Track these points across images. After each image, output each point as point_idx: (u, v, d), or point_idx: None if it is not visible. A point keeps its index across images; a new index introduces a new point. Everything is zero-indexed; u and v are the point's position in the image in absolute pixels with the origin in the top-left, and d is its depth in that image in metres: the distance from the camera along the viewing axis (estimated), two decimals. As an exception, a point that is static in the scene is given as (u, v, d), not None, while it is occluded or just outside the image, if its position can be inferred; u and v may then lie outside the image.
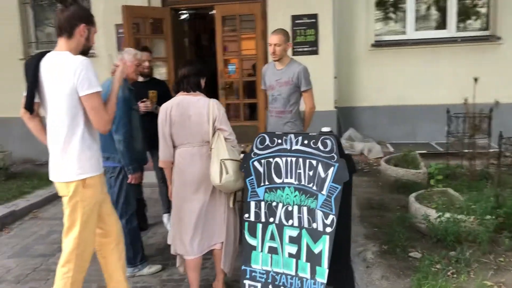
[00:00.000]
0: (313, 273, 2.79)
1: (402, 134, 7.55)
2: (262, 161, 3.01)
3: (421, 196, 4.42)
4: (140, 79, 4.57)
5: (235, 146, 3.23)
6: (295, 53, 7.19)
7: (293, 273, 2.86)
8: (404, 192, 5.06)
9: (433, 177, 5.36)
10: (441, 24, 7.73)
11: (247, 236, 3.02)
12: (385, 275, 3.35)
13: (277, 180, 2.96)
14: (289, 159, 2.94)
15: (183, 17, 8.45)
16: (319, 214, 2.80)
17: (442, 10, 7.71)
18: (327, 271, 2.74)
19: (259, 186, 3.01)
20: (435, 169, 4.91)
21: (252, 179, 3.03)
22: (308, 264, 2.81)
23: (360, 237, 4.07)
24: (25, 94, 2.66)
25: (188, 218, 3.22)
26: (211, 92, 7.70)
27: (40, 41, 8.36)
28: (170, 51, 7.51)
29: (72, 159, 2.64)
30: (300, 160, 2.90)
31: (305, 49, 7.17)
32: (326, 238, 2.76)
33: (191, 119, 3.17)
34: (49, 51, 2.68)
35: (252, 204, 3.02)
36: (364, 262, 3.59)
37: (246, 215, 3.03)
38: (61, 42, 2.63)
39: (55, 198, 6.14)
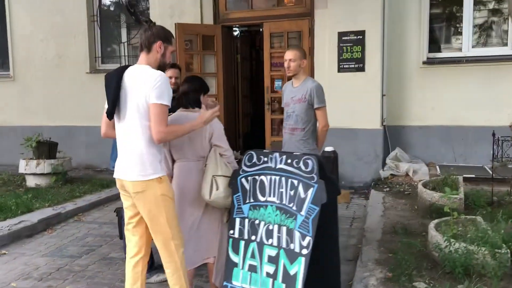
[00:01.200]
0: (287, 294, 2.76)
1: (454, 157, 7.14)
2: (249, 178, 3.05)
3: (444, 223, 4.17)
4: (169, 94, 4.79)
5: (231, 163, 3.28)
6: (340, 69, 7.15)
7: (269, 292, 2.85)
8: (437, 217, 4.78)
9: (472, 202, 5.10)
10: (502, 40, 7.25)
11: (230, 253, 3.06)
12: (380, 304, 3.21)
13: (261, 198, 2.98)
14: (273, 177, 2.95)
15: (235, 33, 8.67)
16: (296, 235, 2.78)
17: (503, 26, 7.23)
18: (301, 293, 2.70)
19: (244, 203, 3.05)
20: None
21: (239, 195, 3.07)
22: (284, 285, 2.79)
23: (371, 262, 3.93)
24: (106, 106, 2.94)
25: (182, 231, 3.31)
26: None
27: (104, 56, 8.99)
28: (219, 66, 7.76)
29: (146, 160, 2.85)
30: (283, 179, 2.90)
31: (351, 66, 7.07)
32: (302, 260, 2.73)
33: (189, 134, 3.27)
34: (129, 65, 2.97)
35: (237, 220, 3.06)
36: (364, 287, 3.47)
37: (231, 232, 3.08)
38: (142, 56, 2.94)
39: (101, 203, 6.58)
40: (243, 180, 3.06)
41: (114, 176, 3.01)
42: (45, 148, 7.34)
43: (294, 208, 2.81)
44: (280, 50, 7.59)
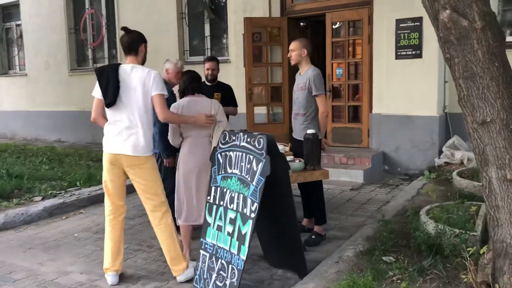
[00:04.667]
0: (239, 250, 3.29)
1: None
2: (223, 153, 3.61)
3: (442, 207, 4.27)
4: (208, 83, 5.49)
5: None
6: (398, 56, 7.20)
7: (228, 248, 3.40)
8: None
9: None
10: None
11: (206, 214, 3.67)
12: (341, 271, 3.55)
13: (229, 170, 3.53)
14: (238, 153, 3.48)
15: (302, 24, 9.05)
16: (248, 201, 3.29)
17: None
18: (247, 250, 3.22)
19: (218, 174, 3.62)
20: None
21: (216, 168, 3.66)
22: (237, 242, 3.32)
23: (361, 238, 4.22)
24: (98, 96, 3.66)
25: (189, 195, 4.01)
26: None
27: (191, 49, 10.01)
28: (285, 57, 8.22)
29: (146, 139, 3.65)
30: (244, 154, 3.42)
31: (408, 52, 7.08)
32: (250, 222, 3.24)
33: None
34: (120, 64, 3.71)
35: (213, 188, 3.65)
36: (338, 258, 3.81)
37: (208, 197, 3.68)
38: (131, 58, 3.69)
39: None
40: (219, 155, 3.63)
41: (107, 151, 3.69)
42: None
43: (249, 179, 3.32)
44: (342, 39, 7.85)
